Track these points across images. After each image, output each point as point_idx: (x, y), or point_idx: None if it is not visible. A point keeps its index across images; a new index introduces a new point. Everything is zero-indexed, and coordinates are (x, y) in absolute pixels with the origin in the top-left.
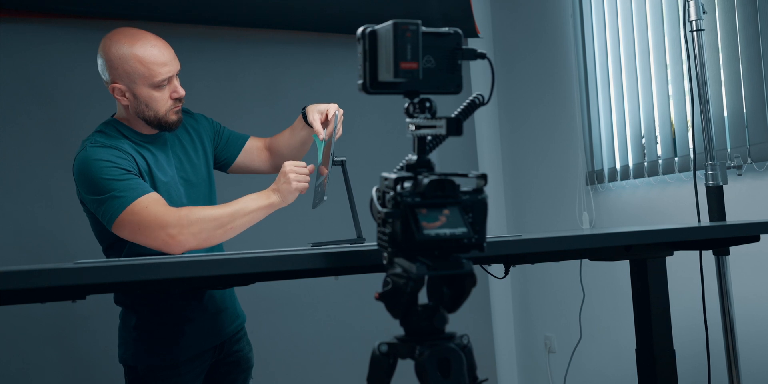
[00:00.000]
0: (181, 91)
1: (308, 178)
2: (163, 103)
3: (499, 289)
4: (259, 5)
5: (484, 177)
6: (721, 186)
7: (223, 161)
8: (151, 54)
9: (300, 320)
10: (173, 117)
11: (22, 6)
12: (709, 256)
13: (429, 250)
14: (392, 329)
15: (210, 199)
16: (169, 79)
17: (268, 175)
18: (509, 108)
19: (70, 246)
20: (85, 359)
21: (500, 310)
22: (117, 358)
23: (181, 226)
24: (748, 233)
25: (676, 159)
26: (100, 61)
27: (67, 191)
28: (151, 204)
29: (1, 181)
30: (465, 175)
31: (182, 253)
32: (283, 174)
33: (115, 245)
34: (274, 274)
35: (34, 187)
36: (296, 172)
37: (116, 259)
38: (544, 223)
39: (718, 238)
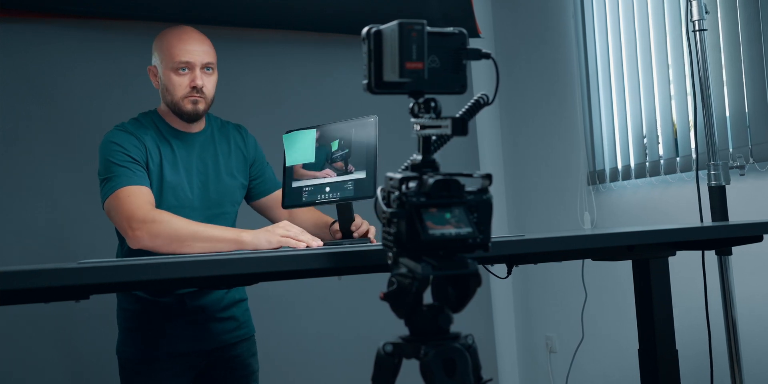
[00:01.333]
0: (200, 82)
1: (296, 242)
2: (180, 88)
3: (500, 288)
4: (259, 5)
5: (489, 177)
6: (724, 186)
7: (249, 194)
8: (179, 39)
9: (302, 320)
10: (188, 106)
11: (23, 6)
12: (711, 256)
13: (434, 250)
14: (395, 329)
15: (226, 216)
16: (191, 66)
17: None
18: (510, 108)
19: (72, 246)
20: (87, 359)
21: (501, 310)
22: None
23: (143, 222)
24: (751, 233)
25: (677, 159)
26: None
27: (69, 191)
28: (135, 194)
29: (3, 181)
30: (470, 175)
31: (136, 248)
32: (276, 226)
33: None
34: (278, 273)
35: (36, 187)
36: (285, 236)
37: (120, 259)
38: (546, 223)
39: (721, 238)
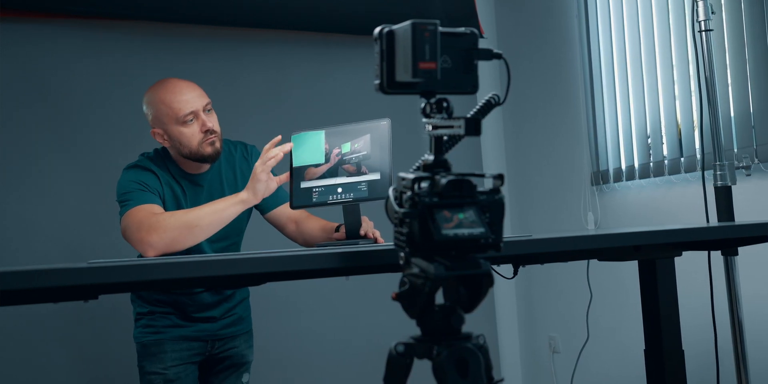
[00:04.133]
0: (209, 124)
1: (274, 159)
2: (194, 137)
3: (503, 288)
4: (261, 5)
5: (501, 177)
6: (730, 186)
7: (258, 208)
8: (172, 93)
9: (307, 320)
10: (208, 149)
11: (24, 6)
12: (717, 256)
13: (446, 250)
14: (399, 329)
15: (233, 247)
16: (195, 114)
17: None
18: (514, 108)
19: (75, 246)
20: (93, 358)
21: (504, 310)
22: (126, 356)
23: (150, 228)
24: (757, 234)
25: (682, 159)
26: (143, 111)
27: (72, 190)
28: (144, 209)
29: (6, 181)
30: (482, 175)
31: (154, 256)
32: (252, 175)
33: None
34: (286, 273)
35: (39, 186)
36: (263, 168)
37: (129, 258)
38: (549, 224)
39: (727, 238)
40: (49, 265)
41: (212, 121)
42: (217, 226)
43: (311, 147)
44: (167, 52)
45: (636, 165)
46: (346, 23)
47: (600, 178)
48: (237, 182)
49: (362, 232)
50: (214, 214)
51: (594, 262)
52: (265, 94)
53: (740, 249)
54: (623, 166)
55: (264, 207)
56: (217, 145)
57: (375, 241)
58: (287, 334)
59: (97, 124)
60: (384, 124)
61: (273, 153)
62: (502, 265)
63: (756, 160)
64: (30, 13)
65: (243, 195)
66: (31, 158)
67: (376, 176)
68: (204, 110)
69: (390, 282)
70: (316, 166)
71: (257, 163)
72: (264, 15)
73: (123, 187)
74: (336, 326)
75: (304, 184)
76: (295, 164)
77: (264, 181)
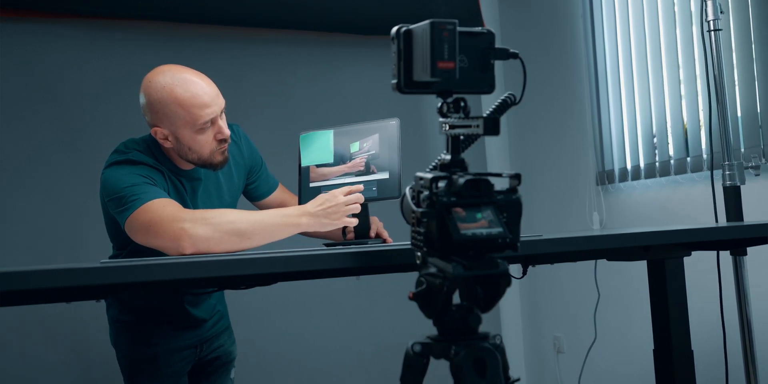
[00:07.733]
0: (226, 132)
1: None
2: (207, 145)
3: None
4: (267, 5)
5: (518, 177)
6: (739, 186)
7: (247, 195)
8: (191, 96)
9: (312, 320)
10: (219, 157)
11: (29, 5)
12: (726, 255)
13: (464, 249)
14: (407, 328)
15: None
16: (213, 120)
17: None
18: (518, 108)
19: (79, 246)
20: (96, 359)
21: (508, 310)
22: None
23: (194, 221)
24: (766, 234)
25: (688, 159)
26: (141, 101)
27: (77, 190)
28: (168, 204)
29: (9, 180)
30: (499, 175)
31: (189, 254)
32: (329, 211)
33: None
34: (297, 273)
35: (43, 187)
36: (345, 211)
37: (141, 258)
38: (554, 224)
39: (736, 238)
40: (61, 265)
41: (226, 127)
42: (267, 241)
43: (320, 147)
44: (172, 52)
45: (642, 165)
46: (352, 23)
47: (605, 177)
48: (231, 170)
49: (372, 234)
50: (265, 231)
51: (599, 261)
52: (271, 94)
53: (749, 249)
54: (629, 166)
55: (258, 194)
56: (227, 153)
57: (384, 241)
58: (292, 334)
59: (100, 124)
60: (393, 124)
61: (360, 199)
62: (511, 265)
63: (764, 160)
64: (32, 13)
65: (304, 221)
66: (35, 158)
67: (384, 176)
68: (221, 113)
69: (394, 282)
70: (326, 165)
71: (341, 201)
72: (269, 15)
73: (122, 180)
74: (342, 326)
75: (313, 184)
76: (303, 164)
77: (339, 225)
